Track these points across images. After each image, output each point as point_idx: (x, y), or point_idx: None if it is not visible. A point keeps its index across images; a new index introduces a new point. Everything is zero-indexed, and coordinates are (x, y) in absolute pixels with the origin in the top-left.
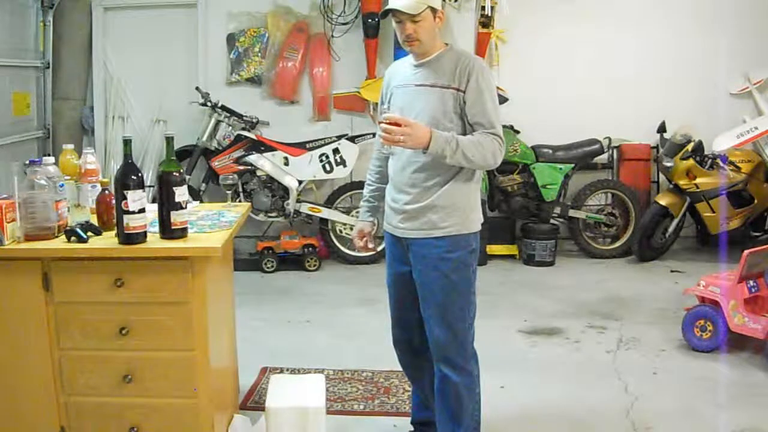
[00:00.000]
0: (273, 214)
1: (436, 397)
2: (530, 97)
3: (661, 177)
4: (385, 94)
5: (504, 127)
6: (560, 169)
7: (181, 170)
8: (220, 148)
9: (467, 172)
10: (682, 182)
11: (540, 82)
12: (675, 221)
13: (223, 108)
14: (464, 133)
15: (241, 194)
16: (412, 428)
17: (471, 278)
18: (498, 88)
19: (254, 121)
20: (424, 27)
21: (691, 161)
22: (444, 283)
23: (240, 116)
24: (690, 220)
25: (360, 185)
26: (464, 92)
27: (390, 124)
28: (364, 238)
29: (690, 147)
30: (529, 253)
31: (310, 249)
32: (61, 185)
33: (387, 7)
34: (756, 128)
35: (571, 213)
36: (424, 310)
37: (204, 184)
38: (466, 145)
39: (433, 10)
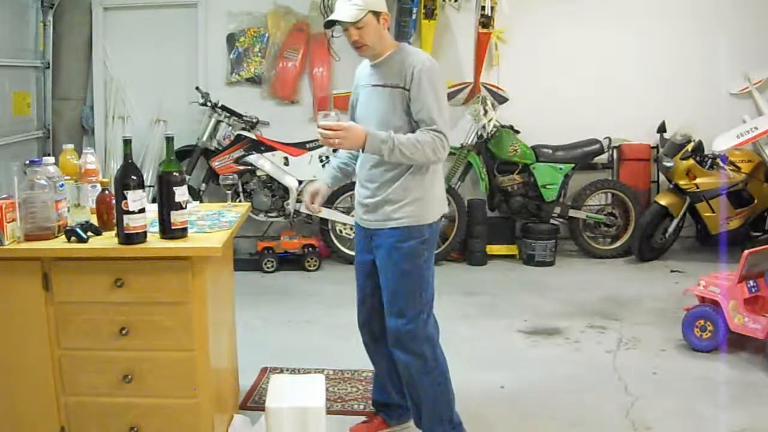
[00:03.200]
0: (273, 214)
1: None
2: (530, 97)
3: (661, 177)
4: (354, 93)
5: (504, 127)
6: (560, 169)
7: (181, 170)
8: (220, 148)
9: (417, 168)
10: (682, 182)
11: (540, 81)
12: (675, 221)
13: (223, 108)
14: (413, 131)
15: (241, 194)
16: (373, 409)
17: (422, 266)
18: (498, 88)
19: (254, 121)
20: (368, 32)
21: (691, 161)
22: (395, 271)
23: (240, 116)
24: (690, 220)
25: None
26: (409, 90)
27: (326, 129)
28: (316, 197)
29: (690, 147)
30: (529, 253)
31: (310, 249)
32: (61, 185)
33: (329, 18)
34: (756, 128)
35: (571, 213)
36: (383, 295)
37: (204, 184)
38: (403, 144)
39: (375, 13)
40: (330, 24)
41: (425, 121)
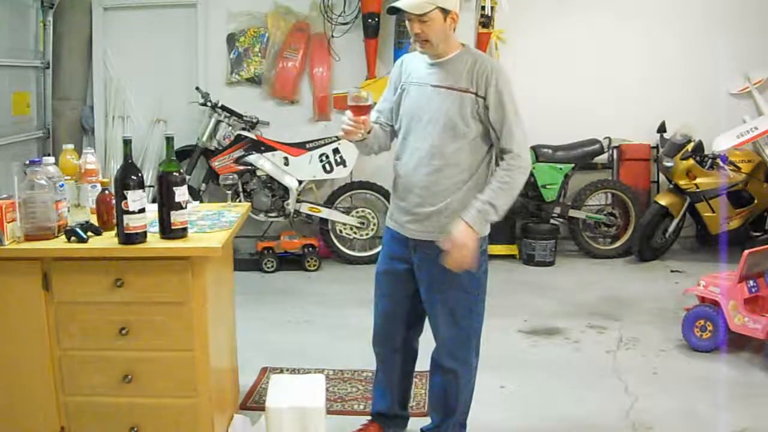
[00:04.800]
0: (273, 214)
1: (433, 386)
2: (530, 97)
3: (661, 177)
4: (396, 82)
5: None
6: (560, 169)
7: (181, 170)
8: (220, 148)
9: (478, 179)
10: (682, 182)
11: (540, 81)
12: (675, 221)
13: (223, 108)
14: (483, 134)
15: (241, 194)
16: (369, 418)
17: (481, 278)
18: None
19: (254, 121)
20: (432, 28)
21: (691, 161)
22: (454, 284)
23: (240, 116)
24: (690, 220)
25: (360, 185)
26: (484, 98)
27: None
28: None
29: (690, 147)
30: (529, 253)
31: (310, 249)
32: (61, 185)
33: (391, 5)
34: (756, 128)
35: (571, 213)
36: (430, 308)
37: (204, 184)
38: (500, 198)
39: (444, 11)
40: (394, 11)
41: (510, 149)
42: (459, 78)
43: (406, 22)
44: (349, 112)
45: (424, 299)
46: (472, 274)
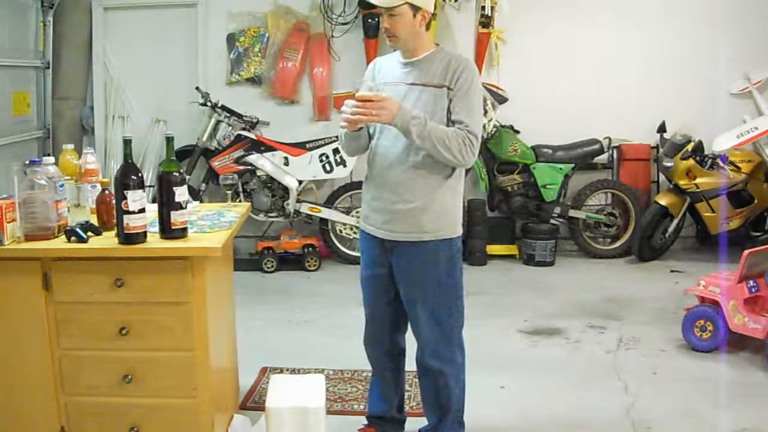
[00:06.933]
0: (273, 214)
1: (424, 389)
2: (530, 97)
3: (661, 177)
4: (368, 89)
5: (504, 127)
6: (560, 169)
7: (181, 170)
8: (220, 148)
9: (456, 178)
10: (682, 182)
11: (540, 82)
12: (675, 221)
13: (223, 108)
14: None
15: (241, 194)
16: (366, 422)
17: (458, 276)
18: (498, 87)
19: (254, 121)
20: (401, 23)
21: (691, 161)
22: (433, 284)
23: (240, 116)
24: (690, 220)
25: (360, 185)
26: (452, 90)
27: (365, 100)
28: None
29: (690, 147)
30: (529, 253)
31: (310, 249)
32: (61, 185)
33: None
34: (756, 128)
35: (571, 213)
36: (411, 309)
37: (204, 184)
38: (433, 129)
39: (413, 7)
40: (366, 5)
41: (462, 121)
42: (434, 75)
43: (380, 17)
44: (353, 101)
45: (404, 300)
46: (452, 273)
